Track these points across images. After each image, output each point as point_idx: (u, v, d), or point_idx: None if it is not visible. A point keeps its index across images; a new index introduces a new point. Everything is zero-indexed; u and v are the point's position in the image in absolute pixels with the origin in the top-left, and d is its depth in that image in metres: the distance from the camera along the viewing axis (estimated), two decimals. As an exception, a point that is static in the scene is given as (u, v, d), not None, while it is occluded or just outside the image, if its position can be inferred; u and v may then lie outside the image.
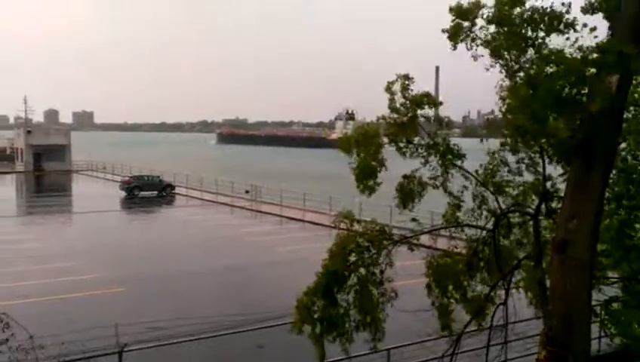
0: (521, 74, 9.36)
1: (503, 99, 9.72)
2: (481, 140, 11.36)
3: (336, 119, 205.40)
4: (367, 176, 10.96)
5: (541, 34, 9.23)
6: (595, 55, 8.23)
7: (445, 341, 11.33)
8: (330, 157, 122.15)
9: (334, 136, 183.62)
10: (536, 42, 9.22)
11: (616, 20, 8.55)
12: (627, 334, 10.99)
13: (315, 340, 10.55)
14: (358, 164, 10.98)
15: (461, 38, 9.72)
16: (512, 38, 9.23)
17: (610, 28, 8.89)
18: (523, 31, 9.23)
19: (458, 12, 9.67)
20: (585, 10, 9.04)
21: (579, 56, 8.45)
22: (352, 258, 10.58)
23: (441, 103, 11.14)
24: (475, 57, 9.59)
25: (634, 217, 11.02)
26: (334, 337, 10.50)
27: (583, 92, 8.49)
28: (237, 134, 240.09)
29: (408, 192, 11.32)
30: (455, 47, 9.78)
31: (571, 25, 8.98)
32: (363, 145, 10.92)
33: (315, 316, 10.46)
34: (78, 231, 40.10)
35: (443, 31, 9.86)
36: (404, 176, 11.40)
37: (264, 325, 15.95)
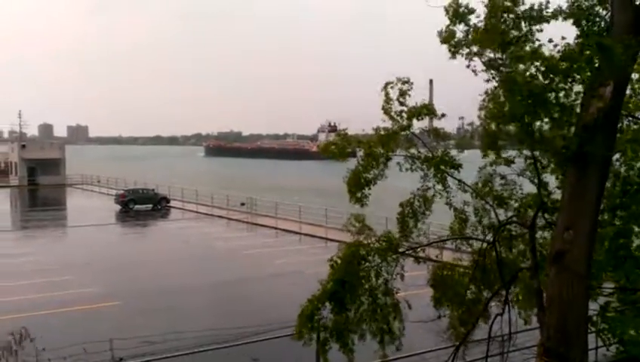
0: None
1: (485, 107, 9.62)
2: (458, 151, 11.20)
3: (318, 131, 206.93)
4: (359, 188, 10.86)
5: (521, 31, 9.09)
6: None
7: (444, 352, 11.28)
8: (313, 168, 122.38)
9: (316, 148, 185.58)
10: (519, 40, 9.02)
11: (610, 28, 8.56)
12: (623, 339, 10.95)
13: (320, 348, 10.42)
14: (351, 175, 10.90)
15: (457, 49, 9.45)
16: (495, 38, 9.02)
17: (578, 36, 8.89)
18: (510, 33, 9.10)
19: (453, 14, 9.39)
20: (554, 15, 9.04)
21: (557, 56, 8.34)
22: (360, 266, 10.50)
23: (443, 115, 10.74)
24: (475, 72, 9.31)
25: (629, 228, 10.99)
26: (341, 347, 10.37)
27: (562, 88, 8.39)
28: (224, 147, 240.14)
29: (411, 216, 11.15)
30: (454, 56, 9.45)
31: (546, 19, 8.91)
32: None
33: (320, 324, 10.34)
34: (73, 245, 39.85)
35: (439, 33, 9.54)
36: (401, 205, 11.21)
37: (259, 338, 15.87)
